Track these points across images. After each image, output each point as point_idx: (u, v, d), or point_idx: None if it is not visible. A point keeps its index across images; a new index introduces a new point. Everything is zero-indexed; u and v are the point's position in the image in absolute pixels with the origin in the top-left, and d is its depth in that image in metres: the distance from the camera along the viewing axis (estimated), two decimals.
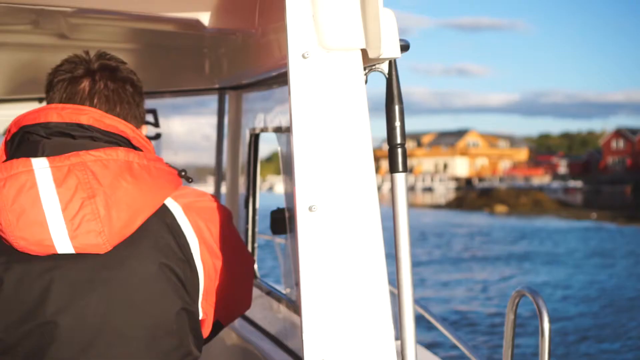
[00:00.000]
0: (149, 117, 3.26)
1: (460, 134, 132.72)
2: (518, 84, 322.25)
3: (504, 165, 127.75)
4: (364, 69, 1.70)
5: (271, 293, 3.08)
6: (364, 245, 1.59)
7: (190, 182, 1.90)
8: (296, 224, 1.58)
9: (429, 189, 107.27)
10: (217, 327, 1.97)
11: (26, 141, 1.79)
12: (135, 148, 1.84)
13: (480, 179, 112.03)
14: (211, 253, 1.83)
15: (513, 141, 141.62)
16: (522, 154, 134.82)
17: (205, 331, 1.90)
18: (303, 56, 1.61)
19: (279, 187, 2.85)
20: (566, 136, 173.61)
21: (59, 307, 1.67)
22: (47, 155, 1.72)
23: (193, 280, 1.79)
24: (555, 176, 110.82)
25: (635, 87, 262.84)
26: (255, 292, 3.14)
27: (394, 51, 1.64)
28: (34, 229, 1.65)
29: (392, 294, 1.65)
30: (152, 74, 3.21)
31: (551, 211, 53.96)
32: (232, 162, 3.62)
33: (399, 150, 1.70)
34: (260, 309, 3.17)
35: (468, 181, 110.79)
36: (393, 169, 1.70)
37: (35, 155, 1.73)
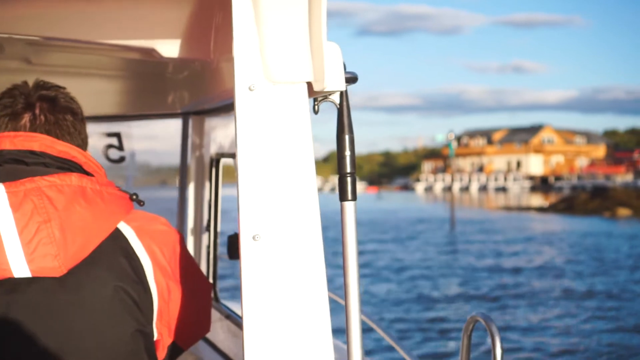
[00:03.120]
0: (114, 141, 3.27)
1: (534, 130, 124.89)
2: (576, 80, 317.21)
3: (580, 162, 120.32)
4: (316, 99, 1.74)
5: (230, 317, 3.10)
6: (306, 274, 1.62)
7: (142, 205, 1.93)
8: (240, 253, 1.61)
9: (502, 189, 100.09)
10: (176, 350, 1.99)
11: None
12: (87, 173, 1.87)
13: (557, 178, 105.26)
14: (164, 274, 1.86)
15: (590, 137, 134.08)
16: (600, 151, 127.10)
17: (161, 353, 1.92)
18: (249, 88, 1.65)
19: None
20: (633, 132, 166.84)
21: (18, 331, 1.68)
22: (2, 181, 1.75)
23: (147, 301, 1.82)
24: (638, 174, 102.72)
25: None
26: (215, 315, 3.16)
27: (338, 84, 1.69)
28: None
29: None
30: (116, 98, 3.23)
31: None
32: (196, 185, 3.64)
33: (349, 179, 1.74)
34: (221, 331, 3.19)
35: (544, 180, 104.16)
36: (343, 197, 1.74)
37: None
